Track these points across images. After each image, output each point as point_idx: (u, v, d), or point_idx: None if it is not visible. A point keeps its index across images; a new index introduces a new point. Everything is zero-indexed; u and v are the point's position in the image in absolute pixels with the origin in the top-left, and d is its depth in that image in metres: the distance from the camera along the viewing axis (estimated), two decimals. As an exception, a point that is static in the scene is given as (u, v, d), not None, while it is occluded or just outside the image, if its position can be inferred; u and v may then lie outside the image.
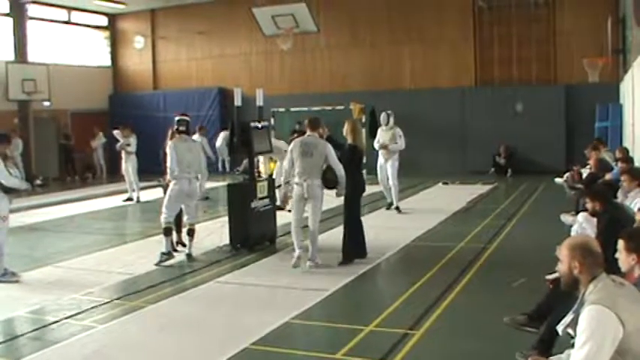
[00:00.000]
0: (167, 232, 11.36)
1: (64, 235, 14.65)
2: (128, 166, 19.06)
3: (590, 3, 22.59)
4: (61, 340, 7.61)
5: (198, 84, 28.55)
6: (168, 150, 11.39)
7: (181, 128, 11.53)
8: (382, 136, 15.85)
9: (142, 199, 19.11)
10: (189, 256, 11.48)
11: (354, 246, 10.92)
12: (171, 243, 11.61)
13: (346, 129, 11.20)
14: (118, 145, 19.22)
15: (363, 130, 21.75)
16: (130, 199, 19.24)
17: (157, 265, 11.06)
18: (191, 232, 11.59)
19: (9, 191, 10.40)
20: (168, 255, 11.24)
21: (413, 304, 8.55)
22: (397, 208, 15.68)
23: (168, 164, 11.32)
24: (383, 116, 16.07)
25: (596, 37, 21.68)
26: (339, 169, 10.25)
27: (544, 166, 21.91)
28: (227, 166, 26.31)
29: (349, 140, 11.10)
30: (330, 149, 10.31)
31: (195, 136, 17.26)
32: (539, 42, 23.43)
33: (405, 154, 15.06)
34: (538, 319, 6.52)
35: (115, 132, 19.74)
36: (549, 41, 23.48)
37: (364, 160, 11.90)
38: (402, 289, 9.16)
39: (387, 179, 15.76)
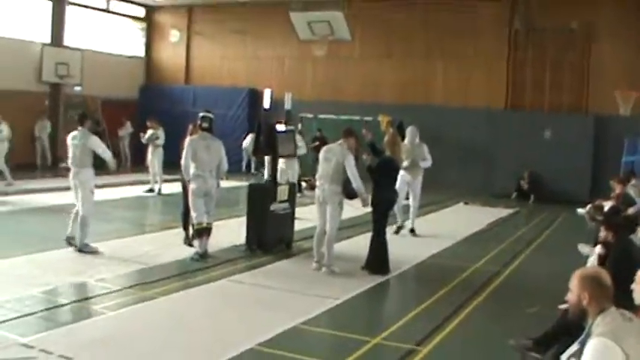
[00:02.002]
0: (199, 233, 11.29)
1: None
2: (154, 158, 19.14)
3: (628, 35, 22.40)
4: (70, 322, 7.73)
5: (230, 82, 28.63)
6: (185, 146, 11.29)
7: (204, 125, 11.42)
8: (408, 152, 14.43)
9: (163, 191, 19.21)
10: (204, 254, 11.45)
11: (377, 261, 10.95)
12: (188, 237, 11.69)
13: (387, 140, 11.40)
14: (146, 137, 19.24)
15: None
16: (151, 190, 19.35)
17: (191, 260, 11.09)
18: (207, 231, 11.43)
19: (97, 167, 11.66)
20: (202, 257, 11.17)
21: (422, 320, 8.55)
22: (412, 230, 14.63)
23: (182, 161, 11.23)
24: (411, 130, 14.82)
25: (630, 69, 21.59)
26: (356, 181, 10.32)
27: (568, 195, 21.72)
28: (252, 166, 26.42)
29: (388, 152, 11.22)
30: (349, 161, 10.40)
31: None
32: (573, 69, 23.26)
33: (427, 170, 14.71)
34: (543, 346, 6.49)
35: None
36: (583, 69, 23.27)
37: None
38: (413, 305, 9.17)
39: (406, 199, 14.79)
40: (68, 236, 11.56)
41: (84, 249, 11.31)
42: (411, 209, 14.77)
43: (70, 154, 11.61)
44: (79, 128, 11.60)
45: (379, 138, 12.98)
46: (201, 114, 11.68)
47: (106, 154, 11.84)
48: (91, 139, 11.53)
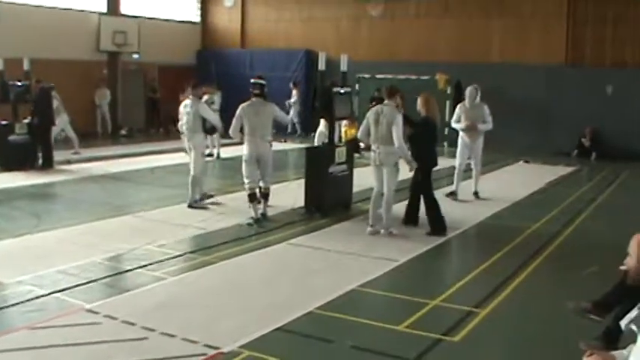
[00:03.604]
0: (251, 197, 11.44)
1: (144, 187, 15.01)
2: (211, 123, 19.26)
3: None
4: (133, 288, 7.90)
5: (286, 45, 28.57)
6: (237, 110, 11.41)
7: (255, 91, 11.45)
8: (467, 113, 13.64)
9: (222, 155, 19.34)
10: (263, 216, 11.58)
11: (434, 220, 10.95)
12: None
13: (420, 102, 11.24)
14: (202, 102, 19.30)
15: (447, 103, 21.83)
16: (210, 154, 19.48)
17: (247, 225, 11.20)
18: (265, 196, 11.64)
19: (210, 130, 12.98)
20: (256, 222, 11.30)
21: (481, 282, 8.52)
22: (476, 193, 14.03)
23: (232, 126, 11.37)
24: (470, 91, 13.76)
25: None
26: (399, 141, 10.26)
27: (631, 152, 21.27)
28: (298, 128, 26.44)
29: (422, 113, 11.12)
30: (398, 121, 10.31)
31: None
32: (636, 23, 22.62)
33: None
34: (603, 309, 6.37)
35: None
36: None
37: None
38: (472, 267, 9.14)
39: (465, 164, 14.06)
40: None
41: (193, 205, 12.41)
42: (474, 172, 14.18)
43: (184, 120, 12.54)
44: (190, 97, 12.56)
45: (437, 96, 12.87)
46: (252, 80, 11.71)
47: (214, 119, 12.95)
48: (201, 107, 12.57)
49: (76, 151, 19.44)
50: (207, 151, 19.45)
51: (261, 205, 11.63)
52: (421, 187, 11.08)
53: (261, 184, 11.68)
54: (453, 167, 14.21)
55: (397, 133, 10.24)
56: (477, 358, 6.31)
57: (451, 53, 24.85)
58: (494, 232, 11.45)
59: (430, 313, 7.30)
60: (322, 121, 14.95)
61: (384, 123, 10.36)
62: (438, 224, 10.91)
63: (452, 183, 14.11)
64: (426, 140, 10.96)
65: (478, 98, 13.84)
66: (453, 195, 13.80)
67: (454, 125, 13.99)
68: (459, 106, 14.11)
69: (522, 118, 23.17)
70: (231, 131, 11.39)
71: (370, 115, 10.64)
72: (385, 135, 10.35)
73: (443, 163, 12.57)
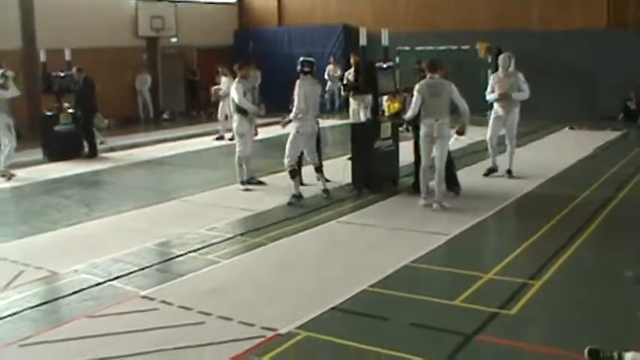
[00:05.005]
0: (293, 173, 11.49)
1: (190, 170, 15.09)
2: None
3: None
4: (186, 272, 7.96)
5: (323, 21, 28.42)
6: (296, 89, 11.33)
7: (306, 69, 11.45)
8: (501, 82, 12.82)
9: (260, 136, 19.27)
10: (325, 191, 11.67)
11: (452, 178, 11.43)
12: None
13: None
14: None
15: (489, 72, 21.56)
16: (221, 137, 19.30)
17: (288, 204, 11.23)
18: (318, 169, 11.84)
19: (243, 112, 12.50)
20: (299, 197, 11.38)
21: (534, 253, 8.43)
22: (509, 171, 12.96)
23: (296, 103, 11.29)
24: (503, 58, 12.97)
25: None
26: (463, 104, 10.47)
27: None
28: (337, 102, 26.26)
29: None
30: (454, 87, 10.53)
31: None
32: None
33: (530, 97, 13.73)
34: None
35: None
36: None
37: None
38: (523, 238, 9.04)
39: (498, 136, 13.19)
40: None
41: (240, 185, 12.61)
42: (508, 149, 13.08)
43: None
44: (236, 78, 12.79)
45: (477, 65, 12.68)
46: (301, 58, 11.69)
47: (243, 101, 12.45)
48: (232, 88, 12.67)
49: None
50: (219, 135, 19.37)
51: (320, 180, 11.86)
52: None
53: (310, 159, 11.82)
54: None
55: (458, 97, 10.50)
56: (534, 330, 6.24)
57: (490, 21, 24.47)
58: (543, 202, 11.30)
59: (485, 287, 7.25)
60: (351, 99, 14.84)
61: (444, 95, 10.44)
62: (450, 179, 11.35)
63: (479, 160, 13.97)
64: None
65: (512, 66, 13.15)
66: (492, 172, 13.19)
67: (488, 97, 13.12)
68: (492, 76, 13.52)
69: (566, 84, 22.79)
70: (301, 108, 11.26)
71: (423, 89, 10.55)
72: (445, 107, 10.45)
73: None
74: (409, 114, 11.01)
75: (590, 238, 9.05)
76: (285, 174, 11.61)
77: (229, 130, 18.46)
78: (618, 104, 22.22)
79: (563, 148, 16.87)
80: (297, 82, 11.41)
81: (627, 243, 8.71)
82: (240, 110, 12.46)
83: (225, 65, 18.97)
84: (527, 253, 8.44)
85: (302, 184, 12.02)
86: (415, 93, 10.64)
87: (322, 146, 12.49)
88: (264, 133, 18.66)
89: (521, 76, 12.85)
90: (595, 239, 9.02)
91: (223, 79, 18.78)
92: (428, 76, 10.65)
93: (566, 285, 7.38)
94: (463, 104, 10.48)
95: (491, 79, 13.25)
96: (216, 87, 19.41)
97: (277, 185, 12.62)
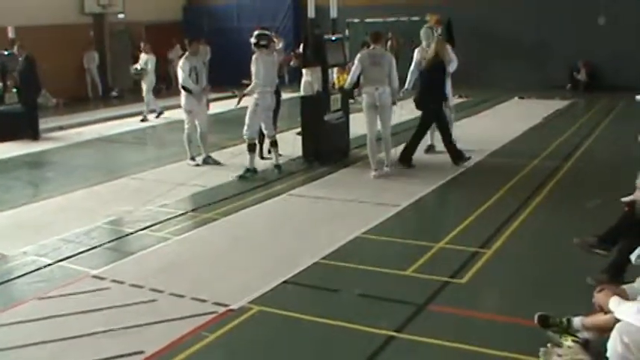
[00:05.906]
0: (251, 148, 11.47)
1: (139, 147, 14.94)
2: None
3: None
4: (137, 250, 7.87)
5: (272, -5, 28.18)
6: (253, 62, 11.21)
7: (262, 42, 11.33)
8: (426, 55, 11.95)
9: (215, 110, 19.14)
10: (277, 167, 11.61)
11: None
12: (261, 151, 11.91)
13: (434, 45, 11.62)
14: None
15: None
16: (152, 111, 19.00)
17: (239, 178, 11.19)
18: (273, 144, 11.72)
19: (188, 90, 12.28)
20: (253, 171, 11.36)
21: (484, 222, 8.50)
22: (432, 146, 12.64)
23: (254, 77, 11.21)
24: (425, 31, 12.49)
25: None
26: (395, 77, 10.94)
27: (626, 82, 21.02)
28: (286, 77, 26.06)
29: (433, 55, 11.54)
30: (392, 60, 11.08)
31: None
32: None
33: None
34: (609, 242, 6.35)
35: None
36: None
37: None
38: (474, 207, 9.10)
39: None
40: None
41: (191, 161, 12.51)
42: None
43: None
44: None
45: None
46: (256, 32, 11.56)
47: (185, 80, 12.29)
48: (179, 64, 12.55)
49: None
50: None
51: (272, 155, 11.78)
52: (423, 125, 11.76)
53: (268, 133, 11.70)
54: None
55: (394, 72, 10.92)
56: (485, 298, 6.32)
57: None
58: (494, 171, 11.41)
59: (435, 257, 7.31)
60: (305, 71, 14.70)
61: (385, 65, 10.84)
62: (457, 152, 11.54)
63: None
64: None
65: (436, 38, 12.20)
66: (431, 149, 12.66)
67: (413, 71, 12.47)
68: (416, 50, 12.62)
69: (514, 53, 22.95)
70: (259, 82, 11.14)
71: (364, 58, 10.93)
72: (385, 76, 10.79)
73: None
74: (347, 81, 11.48)
75: (540, 206, 9.15)
76: (237, 148, 11.54)
77: (152, 110, 18.35)
78: (567, 74, 22.46)
79: (513, 118, 17.04)
80: (254, 55, 11.31)
81: (574, 210, 8.82)
82: (186, 88, 12.33)
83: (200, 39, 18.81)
84: (478, 223, 8.50)
85: (262, 157, 12.12)
86: (355, 61, 11.02)
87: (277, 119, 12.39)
88: (215, 107, 18.60)
89: (448, 47, 12.14)
90: (544, 207, 9.12)
91: (142, 56, 18.57)
92: (371, 47, 11.10)
93: (516, 253, 7.46)
94: (395, 77, 10.93)
95: (417, 53, 12.52)
96: (133, 66, 19.07)
97: (229, 161, 12.53)
